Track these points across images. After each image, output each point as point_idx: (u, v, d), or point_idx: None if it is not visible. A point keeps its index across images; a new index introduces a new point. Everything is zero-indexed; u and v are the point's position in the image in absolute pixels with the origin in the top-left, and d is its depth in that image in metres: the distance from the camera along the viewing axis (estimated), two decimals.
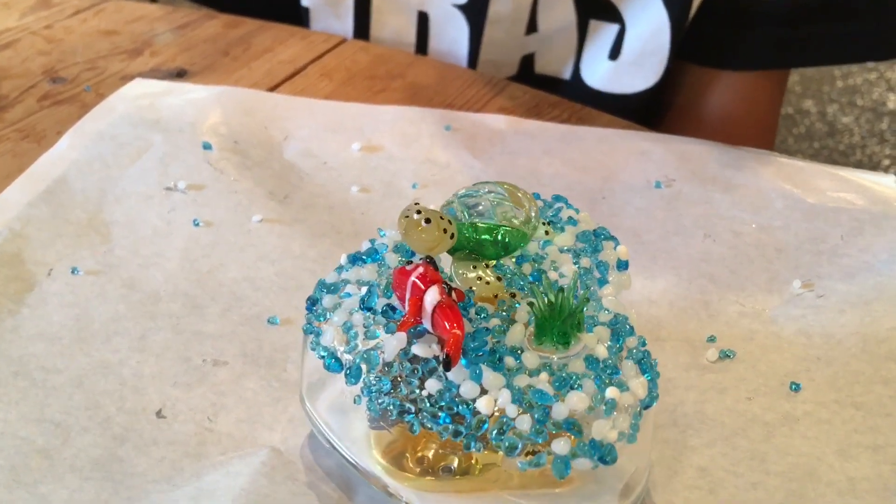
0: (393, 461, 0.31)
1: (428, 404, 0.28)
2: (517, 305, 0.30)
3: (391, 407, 0.29)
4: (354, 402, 0.30)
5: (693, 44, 0.62)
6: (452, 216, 0.31)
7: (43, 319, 0.39)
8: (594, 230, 0.34)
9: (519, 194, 0.32)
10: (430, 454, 0.31)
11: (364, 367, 0.29)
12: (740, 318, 0.40)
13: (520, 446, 0.27)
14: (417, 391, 0.29)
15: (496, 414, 0.28)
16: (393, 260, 0.32)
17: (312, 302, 0.32)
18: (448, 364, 0.27)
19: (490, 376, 0.28)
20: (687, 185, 0.48)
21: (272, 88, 0.61)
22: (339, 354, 0.30)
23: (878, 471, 0.33)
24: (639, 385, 0.28)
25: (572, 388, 0.28)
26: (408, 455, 0.31)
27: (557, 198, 0.36)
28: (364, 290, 0.31)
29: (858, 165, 2.17)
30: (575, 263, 0.32)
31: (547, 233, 0.34)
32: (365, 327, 0.30)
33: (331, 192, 0.48)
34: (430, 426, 0.28)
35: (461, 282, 0.31)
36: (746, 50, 0.62)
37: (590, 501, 0.30)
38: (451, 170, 0.50)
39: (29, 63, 0.63)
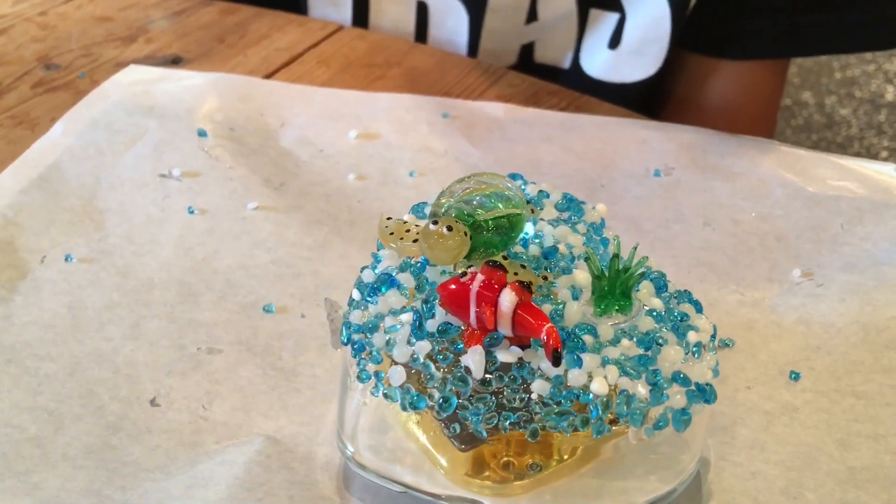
0: (479, 474, 0.31)
1: (537, 407, 0.27)
2: (555, 285, 0.30)
3: (505, 422, 0.28)
4: (448, 432, 0.29)
5: (694, 33, 0.62)
6: (460, 215, 0.30)
7: (36, 307, 0.39)
8: (564, 195, 0.34)
9: (496, 181, 0.31)
10: (508, 458, 0.30)
11: (456, 393, 0.28)
12: (740, 307, 0.40)
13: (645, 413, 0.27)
14: (525, 397, 0.28)
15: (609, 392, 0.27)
16: (408, 280, 0.31)
17: (359, 347, 0.30)
18: (559, 358, 0.27)
19: (587, 359, 0.28)
20: (686, 173, 0.48)
21: (269, 76, 0.60)
22: (418, 391, 0.28)
23: (878, 460, 0.33)
24: (704, 322, 0.29)
25: (657, 343, 0.28)
26: (491, 465, 0.31)
27: (514, 176, 0.35)
28: (405, 318, 0.29)
29: (856, 157, 2.18)
30: (575, 232, 0.32)
31: (532, 211, 0.33)
32: (435, 355, 0.28)
33: (327, 179, 0.48)
34: (552, 426, 0.27)
35: None
36: (748, 39, 0.61)
37: (663, 470, 0.31)
38: (448, 158, 0.50)
39: (23, 50, 0.62)
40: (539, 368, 0.28)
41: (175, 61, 0.62)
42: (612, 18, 0.63)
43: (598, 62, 0.64)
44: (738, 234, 0.44)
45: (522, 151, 0.50)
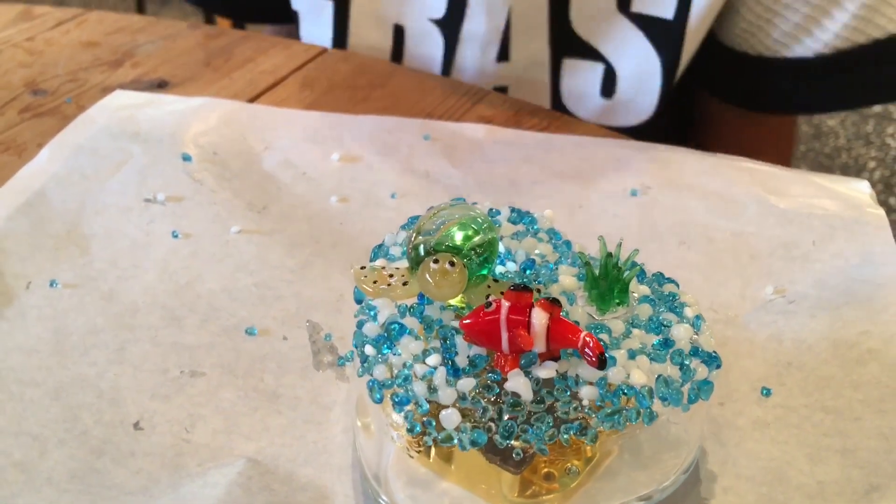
0: (526, 492, 0.31)
1: (591, 412, 0.29)
2: (548, 296, 0.31)
3: (566, 434, 0.28)
4: (499, 460, 0.29)
5: (736, 89, 0.67)
6: (448, 249, 0.31)
7: (21, 332, 0.39)
8: (511, 208, 0.36)
9: (462, 209, 0.32)
10: (547, 469, 0.31)
11: (514, 418, 0.28)
12: (714, 324, 0.41)
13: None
14: (577, 404, 0.29)
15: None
16: (414, 323, 0.31)
17: (402, 401, 0.29)
18: (605, 361, 0.28)
19: (617, 355, 0.29)
20: (663, 192, 0.49)
21: (253, 99, 0.61)
22: (473, 430, 0.28)
23: (846, 474, 0.34)
24: (690, 297, 0.32)
25: (665, 325, 0.31)
26: (535, 480, 0.31)
27: (458, 199, 0.36)
28: (432, 361, 0.30)
29: (844, 168, 2.19)
30: (541, 241, 0.34)
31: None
32: (481, 389, 0.29)
33: (310, 202, 0.49)
34: (610, 426, 0.29)
35: None
36: (807, 98, 0.64)
37: (670, 452, 0.32)
38: (429, 179, 0.51)
39: (10, 75, 0.63)
40: (577, 376, 0.29)
41: (161, 85, 0.62)
42: (596, 68, 0.64)
43: (592, 108, 0.66)
44: (713, 252, 0.45)
45: (502, 172, 0.51)
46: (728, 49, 0.65)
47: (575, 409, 0.29)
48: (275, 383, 0.38)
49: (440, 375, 0.29)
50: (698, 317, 0.32)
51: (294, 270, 0.44)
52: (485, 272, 0.32)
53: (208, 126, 0.54)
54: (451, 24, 0.64)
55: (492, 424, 0.28)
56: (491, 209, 0.35)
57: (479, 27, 0.64)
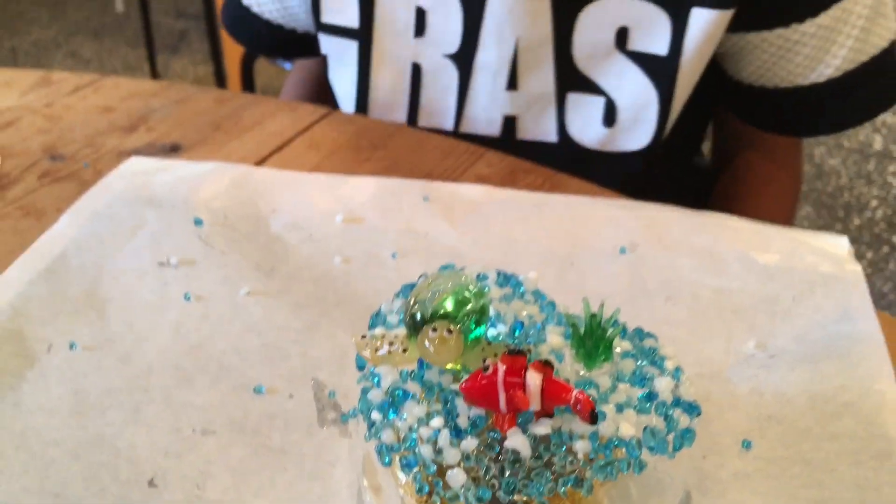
0: None
1: (583, 462, 0.31)
2: (538, 356, 0.33)
3: (563, 487, 0.31)
4: None
5: (766, 117, 0.72)
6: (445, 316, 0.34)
7: (43, 393, 0.42)
8: (498, 272, 0.39)
9: (454, 278, 0.35)
10: None
11: (516, 478, 0.31)
12: (698, 379, 0.43)
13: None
14: (572, 458, 0.31)
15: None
16: (415, 388, 0.34)
17: (410, 463, 0.32)
18: (596, 416, 0.31)
19: (606, 410, 0.32)
20: (651, 250, 0.51)
21: (261, 161, 0.64)
22: (477, 487, 0.31)
23: None
24: (669, 349, 0.35)
25: (647, 378, 0.33)
26: None
27: (445, 266, 0.39)
28: (435, 423, 0.32)
29: (846, 207, 2.21)
30: (528, 303, 0.36)
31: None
32: (484, 448, 0.31)
33: (315, 263, 0.51)
34: (603, 477, 0.31)
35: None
36: (825, 120, 0.70)
37: (657, 497, 0.35)
38: (428, 239, 0.53)
39: (29, 141, 0.66)
40: (571, 431, 0.31)
41: (174, 149, 0.66)
42: (597, 102, 0.68)
43: (595, 136, 0.70)
44: (698, 308, 0.47)
45: (498, 231, 0.54)
46: (744, 84, 0.71)
47: (571, 462, 0.31)
48: (281, 441, 0.40)
49: (444, 437, 0.32)
50: (678, 368, 0.34)
51: (300, 330, 0.46)
52: (478, 335, 0.34)
53: (218, 190, 0.56)
54: (464, 57, 0.69)
55: (495, 481, 0.31)
56: (479, 274, 0.38)
57: (490, 57, 0.68)
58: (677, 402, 0.33)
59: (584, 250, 0.52)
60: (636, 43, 0.66)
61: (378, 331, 0.36)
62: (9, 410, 0.41)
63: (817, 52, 0.66)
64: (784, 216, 0.74)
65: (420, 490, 0.31)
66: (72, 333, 0.45)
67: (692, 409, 0.33)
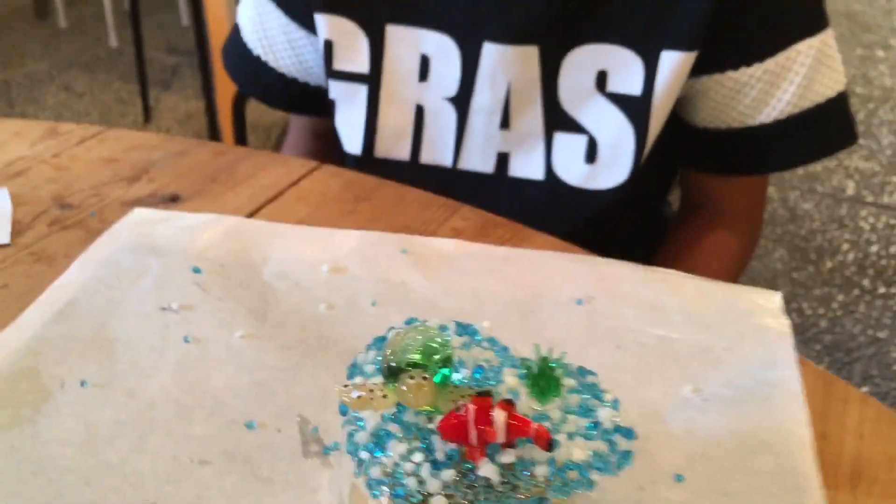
0: None
1: (543, 484, 0.37)
2: (498, 396, 0.38)
3: None
4: None
5: (709, 159, 0.80)
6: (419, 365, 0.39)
7: (57, 426, 0.47)
8: (457, 323, 0.44)
9: (423, 332, 0.40)
10: None
11: (488, 501, 0.36)
12: (639, 418, 0.48)
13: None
14: (535, 480, 0.37)
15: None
16: (396, 429, 0.39)
17: (399, 494, 0.37)
18: (552, 445, 0.36)
19: (560, 438, 0.37)
20: (603, 301, 0.57)
21: (254, 211, 0.70)
22: None
23: None
24: (606, 386, 0.41)
25: (591, 410, 0.39)
26: None
27: (411, 320, 0.44)
28: (416, 458, 0.37)
29: (819, 250, 2.29)
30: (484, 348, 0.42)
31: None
32: (459, 477, 0.37)
33: (301, 309, 0.57)
34: (563, 496, 0.37)
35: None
36: (773, 159, 0.78)
37: None
38: (405, 289, 0.59)
39: (39, 190, 0.72)
40: (532, 458, 0.37)
41: (174, 199, 0.71)
42: (580, 140, 0.75)
43: (577, 173, 0.77)
44: (643, 355, 0.53)
45: (468, 282, 0.60)
46: (700, 129, 0.78)
47: (534, 485, 0.37)
48: (270, 470, 0.45)
49: (425, 469, 0.37)
50: (615, 400, 0.40)
51: (287, 370, 0.52)
52: (445, 380, 0.40)
53: (214, 241, 0.62)
54: (462, 100, 0.77)
55: None
56: (441, 325, 0.43)
57: (484, 99, 0.76)
58: (617, 429, 0.39)
59: (544, 301, 0.57)
60: (614, 85, 0.74)
61: (358, 380, 0.42)
62: (27, 441, 0.46)
63: (764, 95, 0.74)
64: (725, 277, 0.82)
65: None
66: (83, 371, 0.51)
67: (629, 433, 0.39)
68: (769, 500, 0.43)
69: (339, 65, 0.78)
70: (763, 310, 0.56)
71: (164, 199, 0.71)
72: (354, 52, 0.78)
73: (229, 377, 0.51)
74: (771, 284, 2.11)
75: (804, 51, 0.72)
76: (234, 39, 0.86)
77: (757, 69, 0.73)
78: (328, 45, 0.78)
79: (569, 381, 0.40)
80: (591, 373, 0.41)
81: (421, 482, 0.37)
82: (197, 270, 0.59)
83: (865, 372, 2.05)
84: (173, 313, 0.55)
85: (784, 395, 0.49)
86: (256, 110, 2.71)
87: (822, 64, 0.74)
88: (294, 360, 0.52)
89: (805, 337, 2.23)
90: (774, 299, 0.57)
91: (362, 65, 0.78)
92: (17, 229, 0.67)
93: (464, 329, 0.44)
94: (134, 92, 2.92)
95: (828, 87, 0.75)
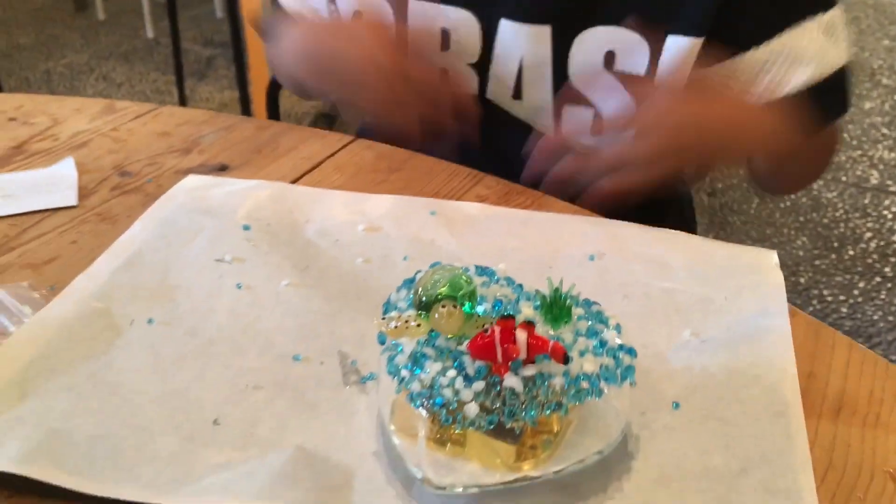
0: (519, 459, 0.44)
1: (560, 392, 0.43)
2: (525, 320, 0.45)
3: (548, 411, 0.42)
4: (501, 436, 0.43)
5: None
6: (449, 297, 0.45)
7: (128, 357, 0.54)
8: (476, 266, 0.50)
9: (450, 270, 0.46)
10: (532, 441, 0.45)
11: (514, 407, 0.42)
12: (643, 357, 0.54)
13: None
14: (553, 390, 0.43)
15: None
16: (431, 351, 0.45)
17: (437, 402, 0.43)
18: (568, 359, 0.43)
19: (573, 355, 0.43)
20: (613, 258, 0.63)
21: (295, 180, 0.76)
22: (487, 415, 0.42)
23: (726, 462, 0.47)
24: (610, 313, 0.47)
25: (597, 333, 0.45)
26: (525, 449, 0.45)
27: (435, 263, 0.50)
28: (450, 374, 0.43)
29: (841, 238, 2.32)
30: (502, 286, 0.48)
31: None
32: (488, 388, 0.43)
33: (340, 263, 0.63)
34: (576, 402, 0.43)
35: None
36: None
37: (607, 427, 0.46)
38: (434, 246, 0.65)
39: (101, 160, 0.79)
40: (549, 371, 0.43)
41: (223, 168, 0.78)
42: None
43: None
44: (648, 305, 0.59)
45: (490, 241, 0.65)
46: None
47: (551, 393, 0.43)
48: (314, 396, 0.52)
49: (459, 382, 0.43)
50: (618, 325, 0.46)
51: (328, 314, 0.58)
52: (470, 311, 0.46)
53: (261, 203, 0.68)
54: (482, 67, 0.83)
55: (499, 411, 0.43)
56: (463, 268, 0.49)
57: (500, 70, 0.82)
58: (621, 347, 0.45)
59: (559, 257, 0.63)
60: (620, 64, 0.79)
61: (393, 314, 0.48)
62: (103, 368, 0.53)
63: (777, 75, 0.76)
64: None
65: (446, 421, 0.43)
66: (149, 312, 0.57)
67: (631, 351, 0.45)
68: (756, 423, 0.49)
69: None
70: (761, 266, 0.62)
71: (214, 169, 0.78)
72: None
73: (277, 319, 0.57)
74: (793, 271, 2.14)
75: (813, 27, 0.75)
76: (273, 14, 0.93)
77: (764, 50, 0.76)
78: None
79: (577, 310, 0.46)
80: (595, 303, 0.47)
81: (456, 392, 0.43)
82: (247, 227, 0.65)
83: (885, 357, 2.08)
84: (227, 264, 0.62)
85: (774, 338, 0.54)
86: (289, 102, 2.78)
87: (831, 38, 0.77)
88: (334, 305, 0.59)
89: (826, 323, 2.26)
90: (771, 257, 0.63)
91: None
92: (83, 193, 0.73)
93: (483, 271, 0.50)
94: (170, 82, 3.01)
95: (835, 60, 0.77)
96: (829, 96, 0.80)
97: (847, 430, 0.51)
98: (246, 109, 2.56)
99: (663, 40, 0.77)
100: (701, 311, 0.58)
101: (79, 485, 0.45)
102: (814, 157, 0.89)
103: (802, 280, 2.23)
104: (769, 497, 0.45)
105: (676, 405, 0.51)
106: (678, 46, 0.76)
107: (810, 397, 0.52)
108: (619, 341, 0.45)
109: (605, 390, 0.43)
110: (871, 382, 0.54)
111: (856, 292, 2.09)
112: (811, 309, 2.09)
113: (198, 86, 3.03)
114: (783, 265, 0.62)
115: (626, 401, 0.47)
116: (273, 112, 1.84)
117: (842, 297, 2.09)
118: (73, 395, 0.50)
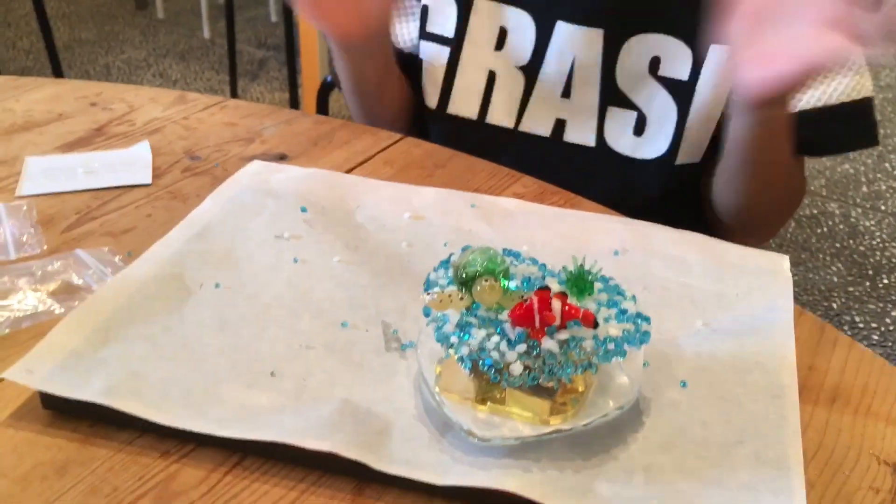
0: (553, 413, 0.51)
1: (590, 353, 0.49)
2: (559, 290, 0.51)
3: (580, 370, 0.49)
4: (537, 392, 0.50)
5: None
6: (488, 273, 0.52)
7: (197, 315, 0.60)
8: (505, 250, 0.56)
9: (486, 252, 0.52)
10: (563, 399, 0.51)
11: (552, 367, 0.49)
12: (656, 343, 0.59)
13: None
14: (584, 351, 0.49)
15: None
16: (474, 321, 0.51)
17: (486, 363, 0.49)
18: (597, 324, 0.49)
19: (599, 320, 0.50)
20: (636, 254, 0.69)
21: (348, 171, 0.83)
22: (529, 374, 0.49)
23: (724, 434, 0.52)
24: (625, 287, 0.53)
25: (617, 303, 0.52)
26: (556, 405, 0.51)
27: (465, 247, 0.56)
28: (494, 339, 0.49)
29: (877, 266, 2.34)
30: (528, 265, 0.54)
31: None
32: (529, 350, 0.49)
33: (387, 245, 0.69)
34: (605, 361, 0.49)
35: None
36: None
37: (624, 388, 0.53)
38: (472, 235, 0.71)
39: (173, 145, 0.86)
40: (581, 335, 0.49)
41: (282, 157, 0.85)
42: (630, 115, 0.88)
43: (626, 143, 0.89)
44: (665, 297, 0.64)
45: (525, 234, 0.72)
46: None
47: (583, 354, 0.49)
48: (360, 358, 0.58)
49: (503, 346, 0.50)
50: (633, 296, 0.52)
51: (374, 288, 0.64)
52: (505, 286, 0.52)
53: (317, 188, 0.75)
54: (531, 70, 0.90)
55: (538, 370, 0.49)
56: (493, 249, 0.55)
57: (551, 70, 0.89)
58: (638, 315, 0.51)
59: (587, 251, 0.69)
60: (665, 70, 0.86)
61: (436, 290, 0.54)
62: (176, 323, 0.60)
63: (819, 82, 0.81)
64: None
65: (493, 379, 0.49)
66: (216, 277, 0.64)
67: (647, 318, 0.52)
68: (755, 403, 0.54)
69: (430, 27, 0.92)
70: (773, 269, 0.67)
71: (275, 157, 0.85)
72: (444, 18, 0.92)
73: (328, 290, 0.64)
74: (826, 296, 2.17)
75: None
76: None
77: None
78: (424, 9, 0.92)
79: (597, 286, 0.52)
80: (612, 279, 0.53)
81: (502, 354, 0.49)
82: (304, 209, 0.72)
83: None
84: (285, 241, 0.69)
85: (777, 330, 0.60)
86: (338, 104, 2.87)
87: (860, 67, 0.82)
88: (380, 281, 0.65)
89: None
90: (783, 262, 0.68)
91: (449, 30, 0.91)
92: (157, 174, 0.81)
93: (510, 252, 0.56)
94: (223, 81, 3.11)
95: (867, 86, 0.83)
96: (853, 123, 0.85)
97: (839, 417, 0.56)
98: (295, 110, 2.64)
99: (707, 50, 0.82)
100: (714, 305, 0.63)
101: (153, 416, 0.52)
102: (785, 198, 0.91)
103: (835, 305, 2.25)
104: (759, 465, 0.50)
105: (684, 384, 0.56)
106: (721, 55, 0.82)
107: (808, 387, 0.58)
108: (636, 309, 0.51)
109: (628, 352, 0.49)
110: (866, 377, 0.59)
111: (888, 321, 2.11)
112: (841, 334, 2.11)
113: (249, 86, 3.13)
114: (817, 290, 0.67)
115: (639, 370, 0.53)
116: (323, 113, 1.92)
117: (874, 325, 2.11)
118: (150, 344, 0.57)
